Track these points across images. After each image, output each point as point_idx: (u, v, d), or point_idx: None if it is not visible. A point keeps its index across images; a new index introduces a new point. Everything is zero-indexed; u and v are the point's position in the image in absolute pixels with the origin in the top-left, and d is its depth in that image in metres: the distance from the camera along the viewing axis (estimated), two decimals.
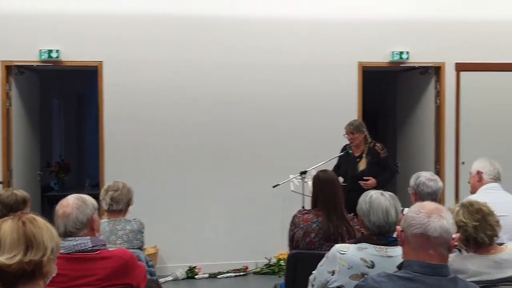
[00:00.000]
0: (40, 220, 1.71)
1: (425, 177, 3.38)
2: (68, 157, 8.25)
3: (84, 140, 9.07)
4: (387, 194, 2.58)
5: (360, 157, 5.05)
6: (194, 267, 5.67)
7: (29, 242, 1.64)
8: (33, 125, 6.31)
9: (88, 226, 2.50)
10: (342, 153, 5.15)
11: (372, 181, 4.89)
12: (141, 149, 5.73)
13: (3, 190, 3.33)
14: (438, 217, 1.86)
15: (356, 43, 5.97)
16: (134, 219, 3.44)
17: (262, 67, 5.85)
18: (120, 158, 5.68)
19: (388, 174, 5.08)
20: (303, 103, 5.92)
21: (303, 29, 5.91)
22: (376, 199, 2.54)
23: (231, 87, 5.84)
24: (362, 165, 4.99)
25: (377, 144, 5.09)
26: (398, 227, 1.95)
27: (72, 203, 2.51)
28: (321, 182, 3.43)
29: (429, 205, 1.92)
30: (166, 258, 5.72)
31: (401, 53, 5.99)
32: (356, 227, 3.27)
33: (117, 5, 5.67)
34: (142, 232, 3.43)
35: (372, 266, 2.43)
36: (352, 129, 5.04)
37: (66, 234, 2.44)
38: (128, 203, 3.49)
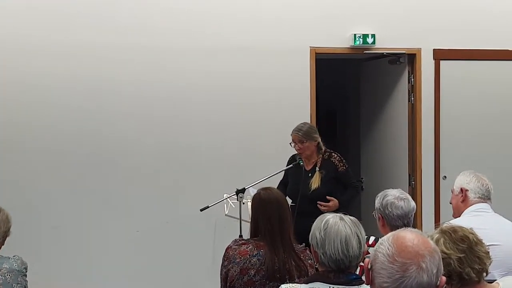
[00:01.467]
0: None
1: (394, 195, 3.46)
2: None
3: None
4: (348, 218, 2.60)
5: (313, 171, 5.11)
6: None
7: None
8: None
9: None
10: (290, 166, 5.16)
11: (334, 202, 4.96)
12: (19, 159, 5.64)
13: None
14: (417, 270, 1.80)
15: (307, 23, 6.05)
16: (13, 256, 3.48)
17: (185, 52, 5.85)
18: None
19: (351, 192, 5.17)
20: (240, 99, 5.95)
21: (240, 6, 5.94)
22: (333, 225, 2.55)
23: (141, 76, 5.82)
24: (314, 182, 5.05)
25: (333, 154, 5.16)
26: (366, 261, 1.95)
27: None
28: (264, 203, 3.43)
29: (408, 246, 1.85)
30: None
31: (365, 36, 6.12)
32: (309, 261, 3.30)
33: None
34: (25, 274, 3.48)
35: None
36: (301, 136, 5.06)
37: None
38: (6, 235, 3.55)
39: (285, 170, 5.21)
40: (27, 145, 5.66)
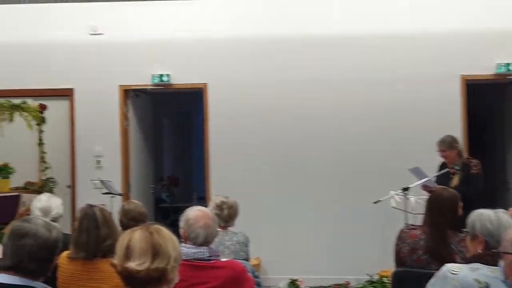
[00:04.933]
0: (165, 231, 1.80)
1: None
2: (177, 172, 8.63)
3: (190, 155, 9.43)
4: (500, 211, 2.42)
5: (455, 173, 4.85)
6: (296, 279, 5.67)
7: (155, 251, 1.73)
8: (147, 143, 6.71)
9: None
10: (445, 171, 4.90)
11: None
12: (243, 163, 5.88)
13: (126, 203, 3.57)
14: None
15: (457, 55, 5.72)
16: (240, 232, 3.58)
17: (364, 83, 5.79)
18: (223, 172, 5.88)
19: (468, 188, 4.61)
20: (403, 118, 5.78)
21: (399, 43, 5.78)
22: (502, 217, 2.39)
23: (330, 102, 5.85)
24: (454, 181, 4.77)
25: (472, 160, 4.87)
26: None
27: (212, 216, 2.65)
28: (440, 199, 3.25)
29: None
30: (269, 270, 5.76)
31: (508, 64, 5.64)
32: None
33: (220, 31, 5.90)
34: (247, 245, 3.57)
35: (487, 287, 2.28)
36: (443, 146, 4.89)
37: (203, 243, 2.56)
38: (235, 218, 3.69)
39: (441, 173, 4.94)
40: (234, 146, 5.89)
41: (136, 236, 1.76)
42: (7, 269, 1.89)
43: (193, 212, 2.63)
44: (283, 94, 5.88)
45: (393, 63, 5.79)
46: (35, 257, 1.88)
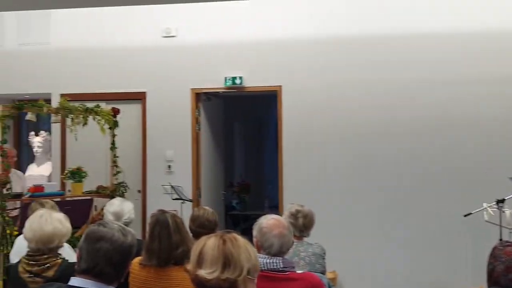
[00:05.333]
0: (241, 240, 1.79)
1: None
2: (248, 178, 8.67)
3: (262, 161, 9.46)
4: None
5: None
6: None
7: (226, 260, 1.73)
8: (218, 147, 6.80)
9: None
10: None
11: None
12: (319, 172, 5.81)
13: (197, 209, 3.62)
14: None
15: None
16: (316, 243, 3.52)
17: (457, 84, 5.62)
18: (297, 180, 5.83)
19: None
20: (497, 120, 5.52)
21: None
22: None
23: (415, 104, 5.69)
24: None
25: None
26: None
27: (287, 225, 2.63)
28: None
29: None
30: (346, 285, 5.66)
31: None
32: None
33: (295, 32, 5.89)
34: (324, 258, 3.50)
35: None
36: None
37: (277, 253, 2.55)
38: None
39: None
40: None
41: (210, 243, 1.76)
42: (82, 272, 1.96)
43: (267, 221, 2.62)
44: (361, 96, 5.76)
45: (487, 61, 5.55)
46: (110, 261, 1.93)
